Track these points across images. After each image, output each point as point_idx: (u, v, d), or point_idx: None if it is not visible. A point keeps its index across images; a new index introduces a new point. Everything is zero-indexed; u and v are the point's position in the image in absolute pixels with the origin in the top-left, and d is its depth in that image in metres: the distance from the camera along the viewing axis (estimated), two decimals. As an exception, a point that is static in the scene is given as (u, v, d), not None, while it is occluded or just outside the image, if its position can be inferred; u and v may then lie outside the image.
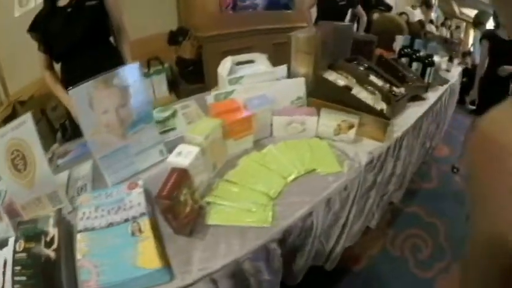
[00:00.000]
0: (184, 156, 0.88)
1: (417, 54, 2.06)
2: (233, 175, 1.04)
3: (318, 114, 1.31)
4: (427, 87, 1.97)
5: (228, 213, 0.89)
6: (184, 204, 0.79)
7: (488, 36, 2.78)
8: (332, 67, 1.56)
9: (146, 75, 2.88)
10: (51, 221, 0.78)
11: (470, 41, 5.50)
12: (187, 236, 0.83)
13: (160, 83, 2.80)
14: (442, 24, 4.13)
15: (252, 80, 1.36)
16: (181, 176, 0.79)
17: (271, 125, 1.30)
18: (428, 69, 2.04)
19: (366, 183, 1.37)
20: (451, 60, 3.06)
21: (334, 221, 1.23)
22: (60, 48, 1.63)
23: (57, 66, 1.76)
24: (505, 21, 0.32)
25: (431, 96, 2.12)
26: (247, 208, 0.90)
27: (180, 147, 0.92)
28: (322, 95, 1.38)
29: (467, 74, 3.69)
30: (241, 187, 0.99)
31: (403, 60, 2.10)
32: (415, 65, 2.07)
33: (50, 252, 0.71)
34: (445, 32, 3.80)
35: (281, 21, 3.36)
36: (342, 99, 1.33)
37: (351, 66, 1.59)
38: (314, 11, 3.03)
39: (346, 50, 1.82)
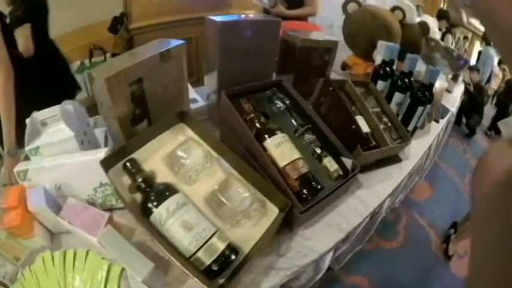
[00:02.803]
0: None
1: (406, 80, 0.92)
2: (27, 271, 0.53)
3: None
4: (407, 142, 0.86)
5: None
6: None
7: None
8: (187, 119, 0.51)
9: (82, 68, 1.90)
10: None
11: (474, 54, 3.99)
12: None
13: (92, 79, 1.77)
14: (448, 31, 2.71)
15: (53, 151, 0.59)
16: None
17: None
18: (420, 109, 0.91)
19: None
20: (455, 78, 1.84)
21: None
22: None
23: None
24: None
25: (416, 149, 1.02)
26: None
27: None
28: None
29: (467, 93, 2.45)
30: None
31: (380, 85, 0.96)
32: (397, 97, 0.94)
33: None
34: (450, 41, 2.46)
35: (236, 8, 2.12)
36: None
37: (229, 113, 0.54)
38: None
39: (263, 68, 0.73)
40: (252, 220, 0.55)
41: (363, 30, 1.20)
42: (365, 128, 0.79)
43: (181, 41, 0.65)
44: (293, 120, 0.74)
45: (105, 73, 0.51)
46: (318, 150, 0.69)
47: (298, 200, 0.57)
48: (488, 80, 2.92)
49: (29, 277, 0.51)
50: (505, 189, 0.20)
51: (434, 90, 0.98)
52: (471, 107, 2.52)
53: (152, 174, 0.53)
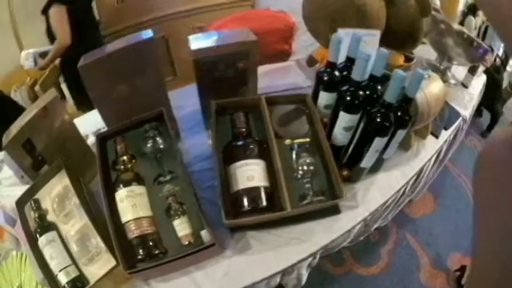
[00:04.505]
0: None
1: (361, 92, 0.48)
2: (3, 263, 0.64)
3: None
4: (335, 201, 0.46)
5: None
6: None
7: None
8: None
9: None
10: None
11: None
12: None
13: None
14: (470, 11, 1.74)
15: (9, 183, 0.72)
16: None
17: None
18: (379, 141, 0.48)
19: None
20: (473, 71, 1.26)
21: None
22: None
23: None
24: None
25: (381, 187, 0.61)
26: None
27: None
28: None
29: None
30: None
31: (324, 98, 0.54)
32: (344, 119, 0.52)
33: None
34: (473, 23, 1.68)
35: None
36: None
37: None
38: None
39: (155, 97, 0.60)
40: (97, 265, 0.52)
41: (322, 11, 0.75)
42: (259, 179, 0.42)
43: (54, 94, 0.60)
44: (162, 166, 0.52)
45: (5, 140, 0.54)
46: (174, 206, 0.51)
47: (135, 260, 0.48)
48: (506, 59, 1.97)
49: (4, 267, 0.60)
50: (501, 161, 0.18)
51: (422, 98, 0.54)
52: (490, 88, 1.70)
53: (46, 212, 0.56)
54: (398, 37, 0.93)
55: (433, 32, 1.18)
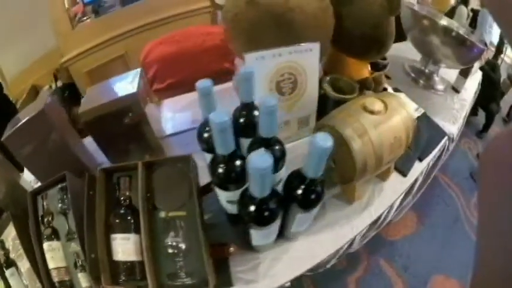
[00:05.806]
0: None
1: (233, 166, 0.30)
2: None
3: None
4: None
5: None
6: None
7: None
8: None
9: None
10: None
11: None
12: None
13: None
14: (462, 1, 1.25)
15: None
16: None
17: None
18: (259, 235, 0.28)
19: None
20: (465, 73, 0.98)
21: None
22: None
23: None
24: None
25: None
26: None
27: None
28: None
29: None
30: None
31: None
32: (225, 195, 0.31)
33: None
34: (465, 14, 1.28)
35: (162, 11, 1.42)
36: None
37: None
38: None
39: (68, 158, 0.57)
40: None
41: (234, 30, 0.52)
42: (128, 254, 0.39)
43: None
44: (67, 225, 0.49)
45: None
46: (77, 263, 0.48)
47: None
48: (500, 49, 1.54)
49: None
50: None
51: (367, 147, 0.33)
52: (486, 89, 1.29)
53: (8, 251, 0.57)
54: (358, 43, 0.68)
55: (415, 30, 0.90)
